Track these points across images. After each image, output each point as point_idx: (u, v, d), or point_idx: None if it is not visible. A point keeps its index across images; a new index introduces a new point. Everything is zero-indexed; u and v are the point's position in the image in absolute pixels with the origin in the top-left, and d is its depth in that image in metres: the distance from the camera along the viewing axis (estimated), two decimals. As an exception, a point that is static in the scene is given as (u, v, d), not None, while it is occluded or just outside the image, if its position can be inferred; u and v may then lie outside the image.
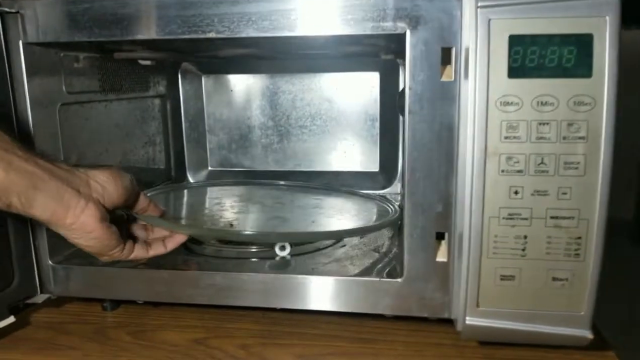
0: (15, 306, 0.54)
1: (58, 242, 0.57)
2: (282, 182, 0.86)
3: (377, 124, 0.86)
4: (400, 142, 0.84)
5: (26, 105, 0.52)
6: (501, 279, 0.44)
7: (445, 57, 0.45)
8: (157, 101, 0.82)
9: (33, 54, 0.53)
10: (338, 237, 0.63)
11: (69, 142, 0.59)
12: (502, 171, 0.42)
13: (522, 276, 0.43)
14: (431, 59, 0.45)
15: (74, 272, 0.56)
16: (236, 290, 0.53)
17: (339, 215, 0.70)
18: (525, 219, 0.42)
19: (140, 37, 0.49)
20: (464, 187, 0.44)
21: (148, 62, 0.75)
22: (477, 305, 0.45)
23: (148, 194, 0.58)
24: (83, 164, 0.62)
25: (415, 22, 0.44)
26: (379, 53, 0.68)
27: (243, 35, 0.47)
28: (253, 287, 0.53)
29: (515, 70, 0.40)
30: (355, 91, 0.85)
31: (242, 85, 0.88)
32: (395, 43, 0.61)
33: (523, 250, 0.43)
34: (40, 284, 0.56)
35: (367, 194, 0.79)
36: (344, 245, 0.62)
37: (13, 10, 0.50)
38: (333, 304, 0.52)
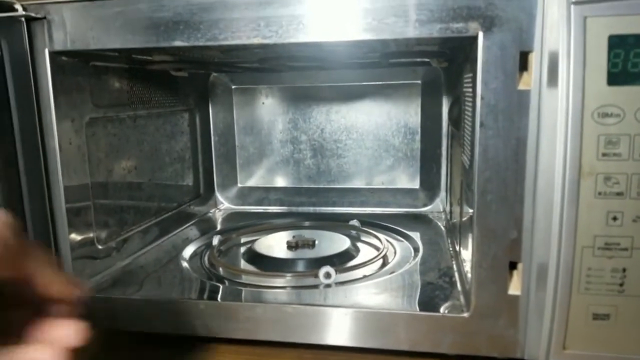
0: None
1: (82, 268, 0.52)
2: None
3: (418, 138, 0.81)
4: (443, 157, 0.78)
5: (52, 118, 0.48)
6: (594, 318, 0.38)
7: (523, 62, 0.39)
8: (186, 115, 0.78)
9: (60, 63, 0.48)
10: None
11: (95, 158, 0.55)
12: (599, 194, 0.36)
13: (618, 315, 0.37)
14: (507, 65, 0.39)
15: (99, 303, 0.51)
16: (276, 324, 0.47)
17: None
18: (625, 249, 0.36)
19: (178, 43, 0.44)
20: (547, 212, 0.38)
21: (181, 74, 0.70)
22: (564, 348, 0.39)
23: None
24: (111, 181, 0.58)
25: (489, 23, 0.39)
26: (428, 60, 0.62)
27: (292, 40, 0.42)
28: (295, 321, 0.47)
29: (616, 77, 0.34)
30: (395, 102, 0.80)
31: (274, 97, 0.83)
32: (451, 48, 0.55)
33: (621, 285, 0.37)
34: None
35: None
36: (393, 272, 0.56)
37: (39, 16, 0.46)
38: (387, 341, 0.46)
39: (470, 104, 0.45)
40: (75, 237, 0.51)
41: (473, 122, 0.42)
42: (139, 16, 0.44)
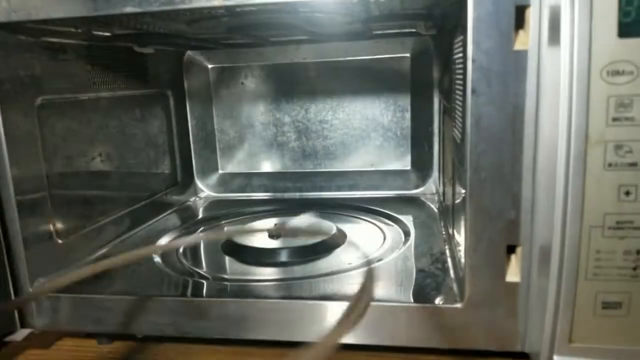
0: (-11, 345, 0.44)
1: (40, 266, 0.48)
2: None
3: (408, 115, 0.76)
4: (435, 136, 0.74)
5: (-7, 101, 0.43)
6: (603, 307, 0.33)
7: (520, 18, 0.34)
8: (158, 97, 0.72)
9: (1, 39, 0.43)
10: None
11: (51, 145, 0.50)
12: (609, 165, 0.31)
13: (632, 303, 0.33)
14: (501, 22, 0.34)
15: (61, 302, 0.46)
16: (254, 322, 0.43)
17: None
18: (639, 228, 0.31)
19: (129, 9, 0.39)
20: (550, 189, 0.33)
21: (147, 50, 0.65)
22: (570, 341, 0.35)
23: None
24: (72, 169, 0.53)
25: (480, -26, 0.34)
26: (416, 28, 0.57)
27: (256, 1, 0.37)
28: (274, 317, 0.43)
29: (629, 27, 0.29)
30: (382, 78, 0.75)
31: (254, 76, 0.78)
32: (440, 13, 0.50)
33: (634, 269, 0.32)
34: (20, 318, 0.47)
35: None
36: (381, 260, 0.51)
37: (-28, -17, 0.40)
38: (376, 336, 0.42)
39: (461, 71, 0.41)
40: (29, 231, 0.46)
41: (464, 89, 0.37)
42: (81, -21, 0.39)
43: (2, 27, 0.42)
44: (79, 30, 0.51)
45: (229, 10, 0.41)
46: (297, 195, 0.79)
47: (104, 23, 0.48)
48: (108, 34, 0.53)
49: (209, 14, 0.44)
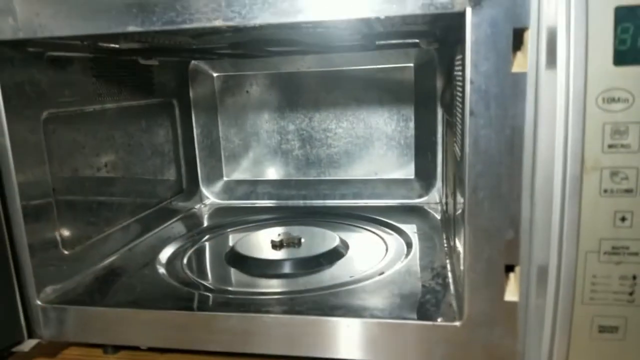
0: (-4, 356, 0.45)
1: (46, 276, 0.48)
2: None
3: (412, 125, 0.76)
4: (439, 145, 0.74)
5: (0, 115, 0.44)
6: (600, 331, 0.33)
7: (517, 41, 0.34)
8: (163, 106, 0.73)
9: (7, 55, 0.44)
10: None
11: (57, 156, 0.51)
12: (605, 191, 0.31)
13: (628, 328, 0.33)
14: (499, 44, 0.34)
15: (68, 313, 0.47)
16: (256, 336, 0.44)
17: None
18: (635, 253, 0.32)
19: (132, 29, 0.40)
20: (547, 211, 0.33)
21: (151, 62, 0.66)
22: (566, 363, 0.35)
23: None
24: (78, 179, 0.54)
25: (478, -3, 0.34)
26: (418, 41, 0.57)
27: (258, 22, 0.37)
28: (276, 332, 0.43)
29: (624, 55, 0.30)
30: (386, 87, 0.75)
31: (259, 85, 0.79)
32: (441, 28, 0.50)
33: (630, 294, 0.32)
34: (27, 328, 0.48)
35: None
36: (382, 273, 0.52)
37: (-21, 3, 0.41)
38: (377, 353, 0.42)
39: (460, 89, 0.41)
40: (35, 240, 0.47)
41: (463, 110, 0.37)
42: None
43: (8, 44, 0.43)
44: (85, 44, 0.52)
45: (232, 27, 0.41)
46: (301, 202, 0.80)
47: (108, 38, 0.48)
48: (114, 46, 0.54)
49: (212, 30, 0.44)
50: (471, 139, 0.36)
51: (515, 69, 0.34)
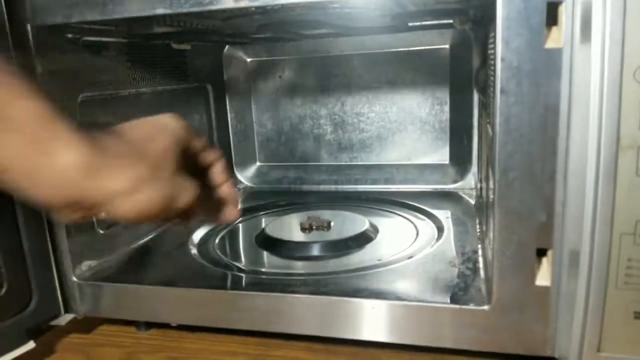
0: (36, 329, 0.47)
1: (82, 254, 0.50)
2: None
3: (447, 108, 0.74)
4: (475, 129, 0.72)
5: (38, 99, 0.45)
6: (635, 317, 0.32)
7: (551, 15, 0.33)
8: (198, 91, 0.74)
9: (44, 38, 0.45)
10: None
11: (93, 139, 0.52)
12: (642, 170, 0.30)
13: (666, 314, 0.32)
14: (532, 19, 0.33)
15: (103, 290, 0.49)
16: (281, 315, 0.44)
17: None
18: (675, 236, 0.30)
19: (160, 11, 0.40)
20: (580, 192, 0.32)
21: (184, 46, 0.66)
22: (598, 350, 0.34)
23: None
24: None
25: (509, -31, 0.33)
26: (452, 20, 0.56)
27: (283, 1, 0.37)
28: (301, 312, 0.43)
29: (666, 26, 0.28)
30: (421, 70, 0.74)
31: (291, 69, 0.78)
32: (475, 6, 0.49)
33: (669, 279, 0.31)
34: (64, 303, 0.50)
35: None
36: (411, 257, 0.51)
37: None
38: (402, 335, 0.42)
39: (493, 69, 0.39)
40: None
41: (494, 88, 0.36)
42: (116, -17, 0.40)
43: (47, 29, 0.44)
44: (118, 29, 0.53)
45: (259, 8, 0.41)
46: (332, 187, 0.79)
47: (140, 23, 0.49)
48: (147, 31, 0.55)
49: (240, 12, 0.44)
50: (502, 117, 0.35)
51: (549, 44, 0.33)
